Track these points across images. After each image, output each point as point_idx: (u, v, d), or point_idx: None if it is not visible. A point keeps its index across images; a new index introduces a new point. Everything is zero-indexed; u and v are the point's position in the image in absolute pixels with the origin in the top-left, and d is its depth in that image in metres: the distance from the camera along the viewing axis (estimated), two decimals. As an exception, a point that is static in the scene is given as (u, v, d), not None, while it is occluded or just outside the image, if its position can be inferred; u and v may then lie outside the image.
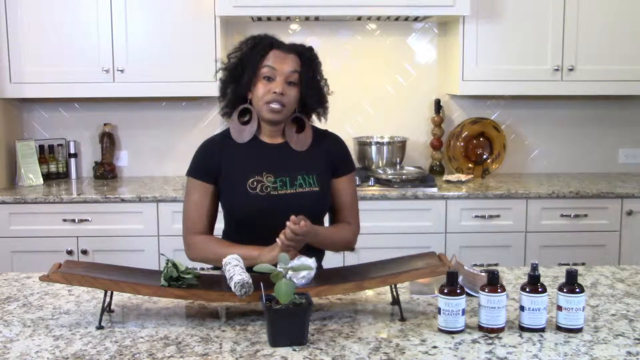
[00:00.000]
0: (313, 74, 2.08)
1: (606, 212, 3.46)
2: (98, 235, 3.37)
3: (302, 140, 2.11)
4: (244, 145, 2.09)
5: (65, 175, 3.89)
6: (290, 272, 1.61)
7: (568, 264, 3.35)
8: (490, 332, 1.58)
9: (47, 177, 3.80)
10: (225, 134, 2.13)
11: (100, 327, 1.64)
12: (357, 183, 3.45)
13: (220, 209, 2.14)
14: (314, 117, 2.16)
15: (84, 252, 3.37)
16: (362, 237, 2.24)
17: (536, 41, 3.61)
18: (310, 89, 2.07)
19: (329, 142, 2.17)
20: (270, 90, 2.01)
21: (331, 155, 2.15)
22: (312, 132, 2.13)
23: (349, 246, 2.17)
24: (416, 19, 3.77)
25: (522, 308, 1.60)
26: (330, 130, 2.23)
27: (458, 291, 1.57)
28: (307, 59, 2.07)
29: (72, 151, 3.89)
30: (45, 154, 3.83)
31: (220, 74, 2.13)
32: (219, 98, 2.14)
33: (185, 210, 2.11)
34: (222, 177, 2.08)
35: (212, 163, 2.09)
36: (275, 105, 2.02)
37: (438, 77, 3.97)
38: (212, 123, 3.90)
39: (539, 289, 1.59)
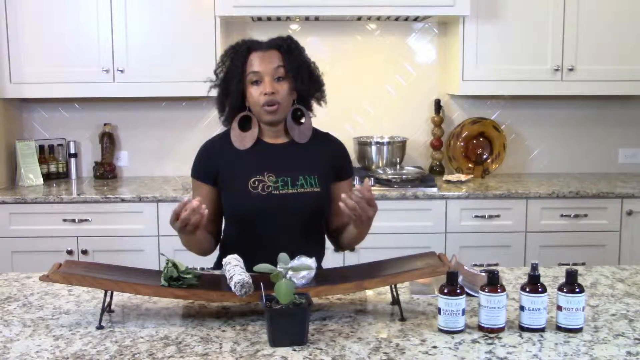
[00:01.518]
0: (298, 62, 2.07)
1: (606, 212, 3.46)
2: (98, 235, 3.37)
3: (303, 131, 2.11)
4: None
5: (65, 175, 3.89)
6: (290, 272, 1.61)
7: (568, 264, 3.35)
8: (490, 332, 1.58)
9: (47, 177, 3.80)
10: (226, 135, 2.13)
11: (100, 327, 1.63)
12: (358, 183, 3.46)
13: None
14: (314, 105, 2.15)
15: (84, 252, 3.37)
16: (362, 237, 2.24)
17: (536, 41, 3.61)
18: (300, 78, 2.06)
19: (332, 146, 2.18)
20: (261, 93, 2.02)
21: (335, 160, 2.15)
22: (312, 126, 2.13)
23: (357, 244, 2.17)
24: (416, 19, 3.77)
25: (522, 308, 1.60)
26: (330, 129, 2.23)
27: (458, 291, 1.57)
28: (286, 50, 2.06)
29: (72, 151, 3.89)
30: (45, 154, 3.83)
31: (212, 92, 2.14)
32: (218, 114, 2.15)
33: None
34: (221, 177, 2.08)
35: (211, 164, 2.10)
36: (270, 107, 2.02)
37: (438, 77, 3.97)
38: (212, 123, 3.89)
39: (539, 289, 1.59)
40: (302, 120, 2.12)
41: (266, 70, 2.02)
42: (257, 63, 2.03)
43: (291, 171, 2.06)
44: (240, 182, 2.04)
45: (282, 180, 2.04)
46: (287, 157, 2.09)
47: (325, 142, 2.17)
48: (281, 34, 2.13)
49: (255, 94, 2.03)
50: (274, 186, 2.04)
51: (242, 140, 2.09)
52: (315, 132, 2.16)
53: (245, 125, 2.11)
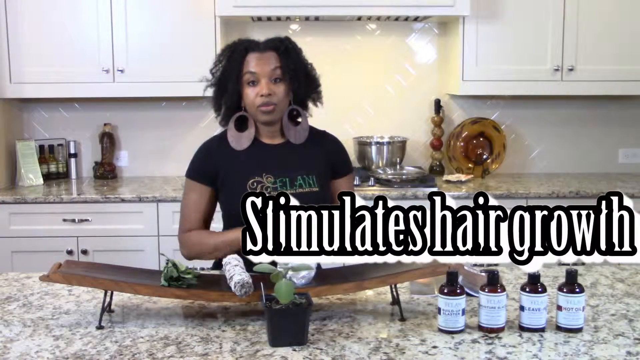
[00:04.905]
0: (295, 64, 2.07)
1: (606, 212, 3.45)
2: (98, 235, 3.37)
3: (299, 132, 2.11)
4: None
5: (65, 175, 3.89)
6: (290, 272, 1.61)
7: (568, 264, 3.35)
8: (490, 332, 1.58)
9: (47, 177, 3.80)
10: (224, 135, 2.13)
11: (100, 327, 1.64)
12: (357, 183, 3.46)
13: (217, 210, 2.15)
14: (310, 105, 2.15)
15: (84, 252, 3.37)
16: (362, 237, 2.23)
17: (536, 41, 3.61)
18: (297, 79, 2.06)
19: (327, 143, 2.18)
20: (258, 94, 2.02)
21: (330, 156, 2.16)
22: (308, 126, 2.14)
23: None
24: (416, 19, 3.77)
25: (522, 308, 1.60)
26: (330, 130, 2.23)
27: (458, 291, 1.57)
28: (284, 51, 2.06)
29: (72, 151, 3.89)
30: (45, 154, 3.83)
31: (208, 91, 2.15)
32: (215, 113, 2.15)
33: (182, 210, 2.13)
34: (220, 178, 2.08)
35: (210, 165, 2.10)
36: (266, 108, 2.02)
37: (438, 77, 3.97)
38: (212, 123, 3.88)
39: (539, 289, 1.59)
40: (299, 120, 2.13)
41: (263, 71, 2.02)
42: (254, 64, 2.03)
43: (289, 172, 2.06)
44: (239, 183, 2.04)
45: (281, 181, 2.05)
46: (285, 158, 2.09)
47: (322, 140, 2.17)
48: (279, 34, 2.13)
49: (252, 95, 2.03)
50: (272, 187, 2.04)
51: (239, 141, 2.09)
52: (312, 131, 2.16)
53: (241, 126, 2.11)
